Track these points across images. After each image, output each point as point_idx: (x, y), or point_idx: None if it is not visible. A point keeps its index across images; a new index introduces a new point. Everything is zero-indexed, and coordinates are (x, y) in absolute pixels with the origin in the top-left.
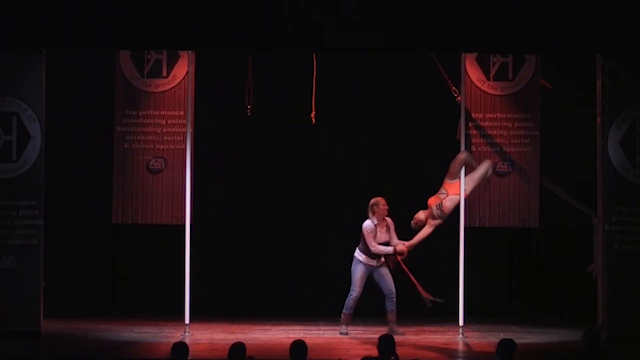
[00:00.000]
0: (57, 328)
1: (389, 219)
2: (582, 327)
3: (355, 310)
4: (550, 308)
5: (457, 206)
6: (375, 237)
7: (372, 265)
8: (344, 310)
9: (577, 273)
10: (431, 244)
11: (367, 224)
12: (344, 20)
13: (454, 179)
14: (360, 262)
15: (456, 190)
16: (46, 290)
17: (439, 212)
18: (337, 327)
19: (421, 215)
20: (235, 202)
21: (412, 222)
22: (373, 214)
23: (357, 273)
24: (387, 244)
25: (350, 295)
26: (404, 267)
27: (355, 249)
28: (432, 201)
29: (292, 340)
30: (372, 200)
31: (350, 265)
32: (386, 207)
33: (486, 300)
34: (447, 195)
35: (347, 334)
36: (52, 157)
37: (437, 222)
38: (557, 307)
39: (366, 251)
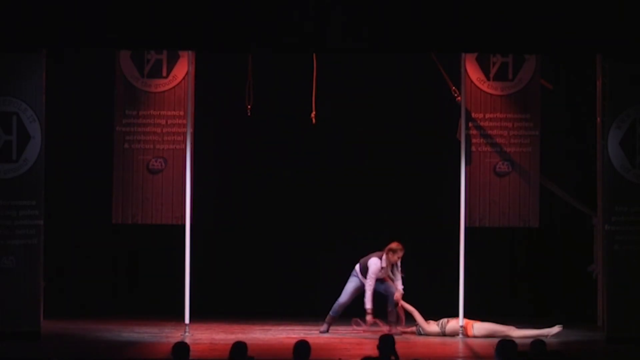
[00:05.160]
0: (57, 328)
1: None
2: (582, 327)
3: (354, 311)
4: (550, 308)
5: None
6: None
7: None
8: (330, 313)
9: (577, 273)
10: (431, 244)
11: (376, 264)
12: (344, 20)
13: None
14: (355, 276)
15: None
16: (46, 290)
17: (441, 324)
18: (337, 328)
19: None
20: (235, 202)
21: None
22: (386, 257)
23: (349, 283)
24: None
25: (338, 300)
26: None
27: (363, 252)
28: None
29: (292, 340)
30: (394, 245)
31: (352, 267)
32: (400, 259)
33: (486, 300)
34: (454, 319)
35: (326, 332)
36: (52, 157)
37: (434, 328)
38: (557, 307)
39: (364, 274)
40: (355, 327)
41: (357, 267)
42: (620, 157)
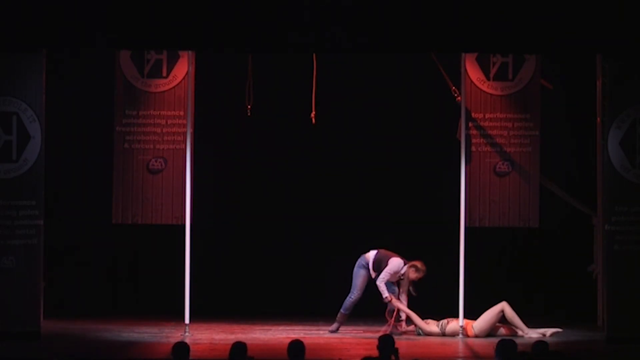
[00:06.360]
0: (57, 328)
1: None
2: (582, 327)
3: (354, 311)
4: (550, 308)
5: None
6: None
7: (371, 276)
8: (342, 310)
9: (577, 273)
10: (431, 244)
11: (399, 266)
12: (344, 20)
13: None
14: (365, 267)
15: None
16: (46, 290)
17: (441, 324)
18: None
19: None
20: (235, 202)
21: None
22: (407, 270)
23: (359, 277)
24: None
25: (350, 297)
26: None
27: (363, 253)
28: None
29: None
30: (420, 264)
31: (352, 266)
32: (417, 280)
33: (486, 301)
34: (454, 320)
35: (336, 331)
36: (52, 157)
37: (433, 329)
38: (557, 307)
39: (375, 266)
40: (396, 329)
41: (370, 259)
42: (620, 157)
